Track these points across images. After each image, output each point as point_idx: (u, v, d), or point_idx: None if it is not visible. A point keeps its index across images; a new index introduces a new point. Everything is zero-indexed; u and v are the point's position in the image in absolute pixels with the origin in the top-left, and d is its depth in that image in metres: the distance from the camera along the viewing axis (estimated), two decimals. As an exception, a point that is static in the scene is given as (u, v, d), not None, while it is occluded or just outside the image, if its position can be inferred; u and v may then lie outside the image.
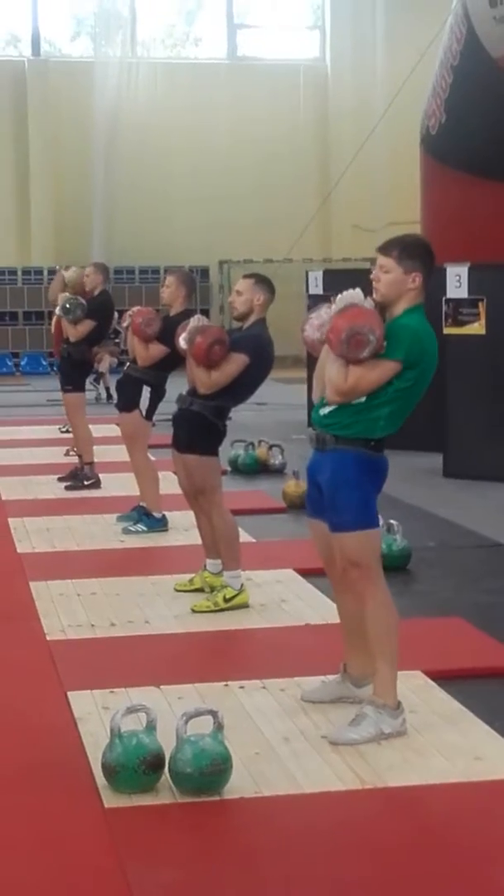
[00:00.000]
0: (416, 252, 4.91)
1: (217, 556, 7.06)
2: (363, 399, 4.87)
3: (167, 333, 8.40)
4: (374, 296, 4.92)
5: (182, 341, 6.93)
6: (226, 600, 6.78)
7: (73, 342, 10.66)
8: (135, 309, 9.01)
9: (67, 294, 10.97)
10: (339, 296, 4.91)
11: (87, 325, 10.50)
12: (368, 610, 4.97)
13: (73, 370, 10.96)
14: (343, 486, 4.92)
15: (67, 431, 13.52)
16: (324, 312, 5.09)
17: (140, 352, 8.71)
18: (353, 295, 4.88)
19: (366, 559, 4.96)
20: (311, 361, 14.15)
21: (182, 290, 8.53)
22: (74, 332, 10.58)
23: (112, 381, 16.20)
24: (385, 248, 4.93)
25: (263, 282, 6.84)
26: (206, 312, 17.60)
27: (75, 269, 11.71)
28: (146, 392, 8.80)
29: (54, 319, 14.72)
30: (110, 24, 27.58)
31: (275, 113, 26.56)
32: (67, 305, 10.56)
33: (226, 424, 7.02)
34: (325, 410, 4.98)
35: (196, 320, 7.03)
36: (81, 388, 11.14)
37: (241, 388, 6.88)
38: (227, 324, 26.56)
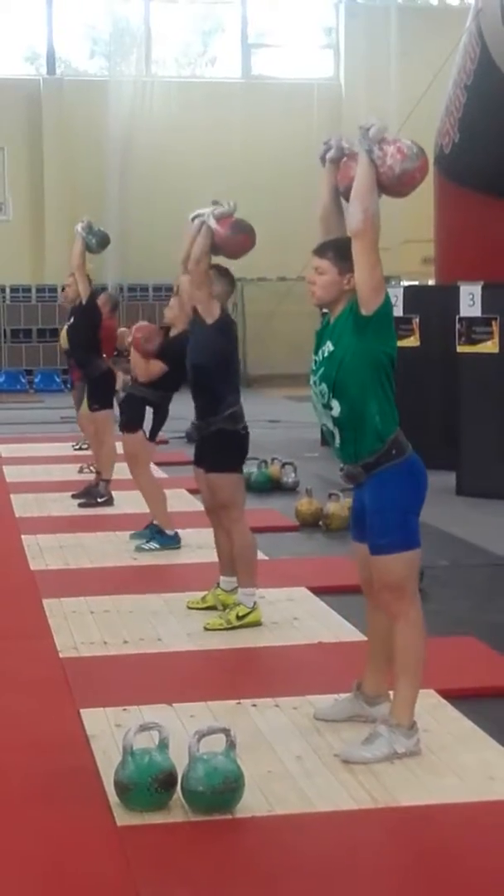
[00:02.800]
0: (350, 253, 4.87)
1: (232, 574, 7.05)
2: (348, 415, 4.86)
3: (169, 352, 8.44)
4: (311, 299, 4.96)
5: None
6: (238, 618, 6.78)
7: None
8: (137, 324, 9.04)
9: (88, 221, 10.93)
10: (374, 127, 4.86)
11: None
12: (398, 630, 4.93)
13: (100, 388, 11.03)
14: (383, 509, 4.88)
15: (80, 449, 13.56)
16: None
17: (140, 366, 8.75)
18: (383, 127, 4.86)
19: (400, 582, 4.90)
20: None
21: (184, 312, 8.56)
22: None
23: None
24: (320, 251, 4.98)
25: (219, 272, 6.97)
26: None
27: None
28: (149, 413, 8.82)
29: (62, 332, 14.79)
30: (125, 42, 27.71)
31: (289, 132, 26.63)
32: (91, 226, 10.58)
33: (246, 426, 6.99)
34: (336, 442, 4.98)
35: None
36: (109, 405, 11.17)
37: (226, 376, 6.91)
38: (242, 337, 26.61)
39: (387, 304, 4.87)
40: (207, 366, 6.90)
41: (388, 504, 4.88)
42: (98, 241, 10.74)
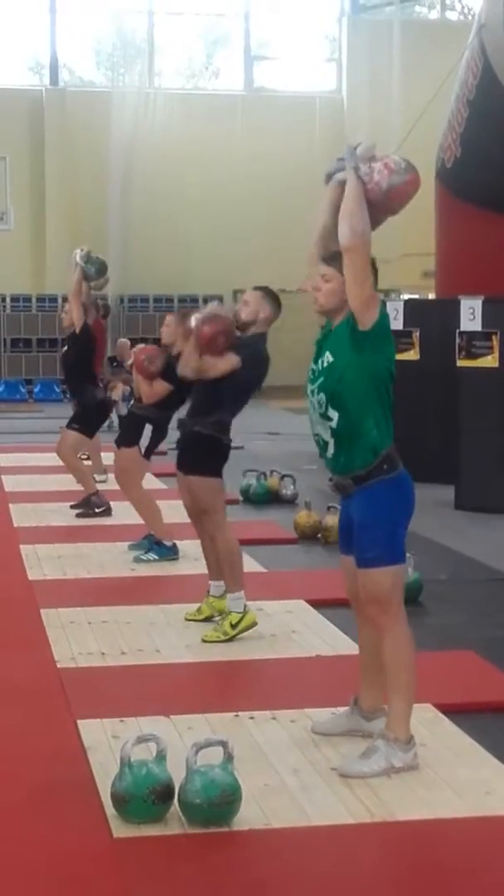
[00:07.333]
0: None
1: (220, 578, 7.06)
2: (345, 427, 4.85)
3: (171, 371, 8.44)
4: (313, 305, 4.97)
5: (192, 319, 6.93)
6: (233, 626, 6.77)
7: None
8: (139, 347, 9.09)
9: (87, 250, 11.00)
10: (361, 145, 4.87)
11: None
12: (386, 645, 4.94)
13: (89, 415, 11.17)
14: (371, 523, 4.89)
15: (84, 458, 13.55)
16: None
17: (144, 389, 8.77)
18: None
19: (387, 595, 4.92)
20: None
21: (181, 329, 8.54)
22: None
23: (125, 409, 16.24)
24: (328, 258, 4.96)
25: (271, 297, 6.87)
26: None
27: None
28: (148, 430, 8.85)
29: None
30: (129, 54, 27.76)
31: (291, 144, 26.68)
32: (90, 255, 10.66)
33: (230, 440, 6.99)
34: (329, 452, 4.98)
35: (212, 307, 7.03)
36: (90, 433, 11.26)
37: (234, 394, 6.87)
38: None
39: (383, 319, 4.87)
40: (217, 384, 6.88)
41: (377, 518, 4.90)
42: (97, 269, 10.81)
